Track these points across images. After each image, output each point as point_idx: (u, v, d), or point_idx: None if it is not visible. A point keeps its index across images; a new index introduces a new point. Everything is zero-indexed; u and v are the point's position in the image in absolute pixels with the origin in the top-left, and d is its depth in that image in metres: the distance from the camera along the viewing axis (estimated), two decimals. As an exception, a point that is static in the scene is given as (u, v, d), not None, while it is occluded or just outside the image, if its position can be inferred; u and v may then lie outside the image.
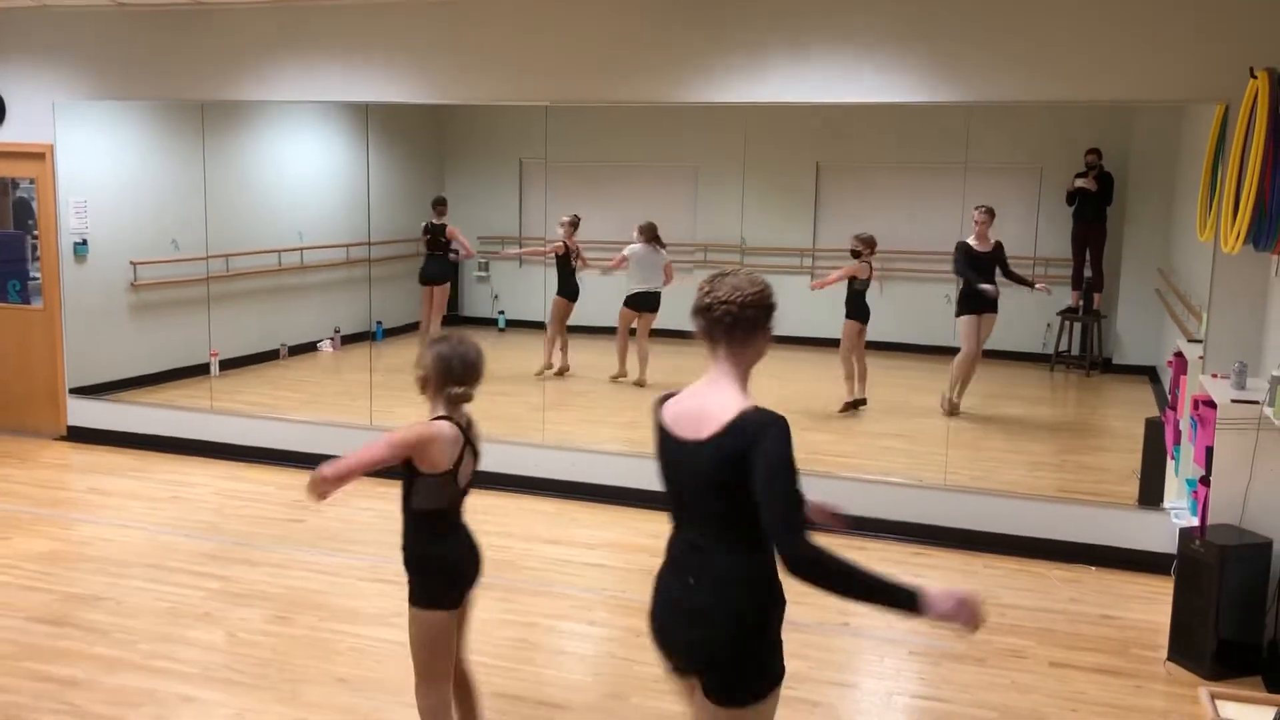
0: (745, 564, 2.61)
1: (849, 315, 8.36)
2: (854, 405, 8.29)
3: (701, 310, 2.67)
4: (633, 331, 9.22)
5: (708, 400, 2.62)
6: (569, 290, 9.52)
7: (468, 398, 3.47)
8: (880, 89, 6.28)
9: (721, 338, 2.65)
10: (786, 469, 2.49)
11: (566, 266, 9.46)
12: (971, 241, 8.03)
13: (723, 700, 2.58)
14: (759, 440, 2.49)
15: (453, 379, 3.42)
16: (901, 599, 2.48)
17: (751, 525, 2.51)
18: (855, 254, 8.27)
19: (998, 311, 8.08)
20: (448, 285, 10.18)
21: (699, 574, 2.62)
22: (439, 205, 9.96)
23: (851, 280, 8.30)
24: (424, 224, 9.88)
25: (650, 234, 9.25)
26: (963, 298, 8.08)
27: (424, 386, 3.51)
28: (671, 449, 2.66)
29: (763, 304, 2.64)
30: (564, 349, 9.58)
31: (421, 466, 3.45)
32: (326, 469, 3.32)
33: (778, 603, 2.67)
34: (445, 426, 3.43)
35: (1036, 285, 8.18)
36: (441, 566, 3.54)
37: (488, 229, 11.04)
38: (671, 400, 2.72)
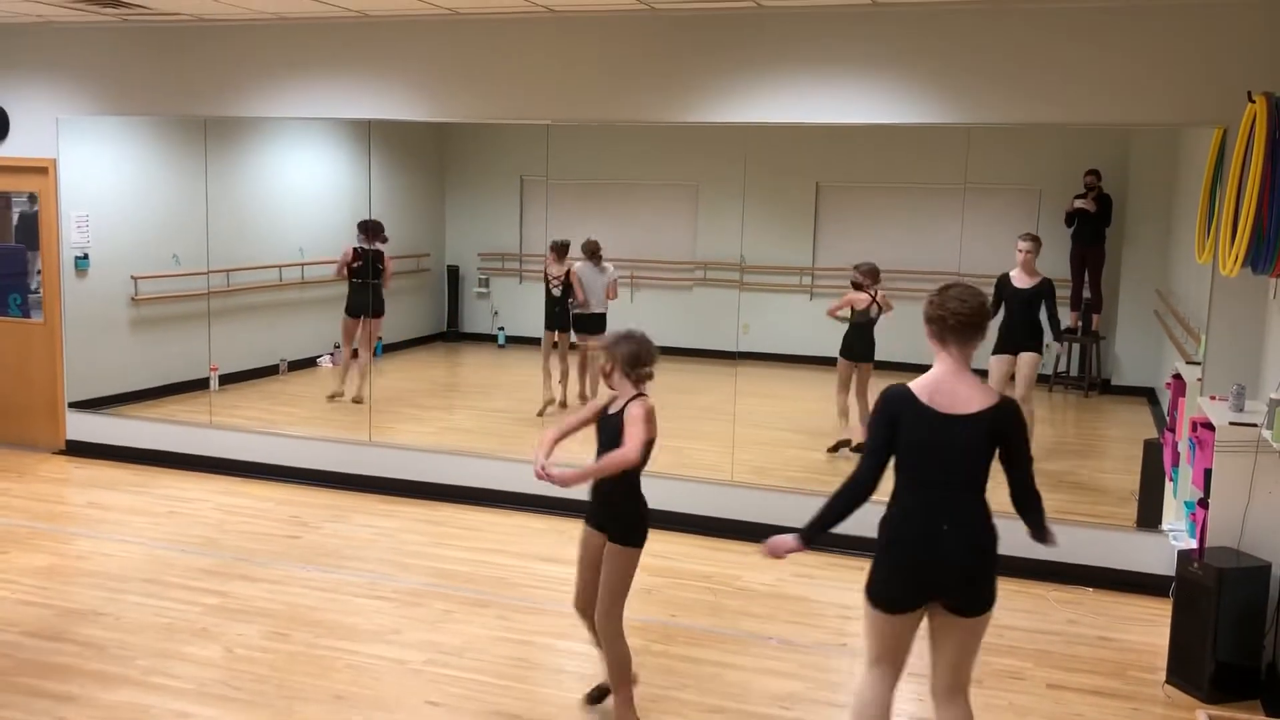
0: (986, 508, 3.41)
1: (840, 351, 7.93)
2: (839, 446, 7.86)
3: (936, 319, 3.38)
4: (570, 347, 9.16)
5: (959, 386, 3.35)
6: (551, 320, 9.13)
7: (652, 375, 4.25)
8: (880, 110, 6.32)
9: (952, 340, 3.37)
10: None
11: (550, 295, 9.13)
12: (1012, 275, 7.51)
13: (976, 610, 3.42)
14: (1016, 421, 3.38)
15: (641, 363, 4.20)
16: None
17: (985, 479, 3.38)
18: (856, 285, 7.88)
19: (1040, 352, 7.49)
20: (380, 320, 9.39)
21: (953, 518, 3.37)
22: (373, 230, 9.06)
23: (852, 312, 7.92)
24: (353, 248, 9.09)
25: (592, 251, 9.01)
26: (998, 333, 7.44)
27: (610, 374, 4.23)
28: (932, 422, 3.33)
29: (983, 312, 3.38)
30: (562, 381, 9.12)
31: (650, 436, 4.15)
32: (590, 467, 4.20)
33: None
34: (651, 400, 4.19)
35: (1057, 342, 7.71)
36: (643, 513, 4.28)
37: (488, 246, 11.06)
38: (916, 387, 3.38)
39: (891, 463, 3.45)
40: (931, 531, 3.38)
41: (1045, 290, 7.45)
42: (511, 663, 4.87)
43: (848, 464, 7.89)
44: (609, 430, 4.19)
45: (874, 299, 7.85)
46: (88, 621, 5.21)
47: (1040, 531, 3.52)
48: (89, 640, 5.00)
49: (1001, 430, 3.35)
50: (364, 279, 9.08)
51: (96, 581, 5.74)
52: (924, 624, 3.52)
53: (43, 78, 8.10)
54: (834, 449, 7.84)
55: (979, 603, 3.44)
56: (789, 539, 3.65)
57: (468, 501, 7.27)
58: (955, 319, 3.35)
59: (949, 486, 3.38)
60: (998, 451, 3.38)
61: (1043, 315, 7.50)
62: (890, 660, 3.53)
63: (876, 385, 7.32)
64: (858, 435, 7.48)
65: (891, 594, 3.46)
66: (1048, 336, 7.58)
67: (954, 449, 3.35)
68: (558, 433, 4.33)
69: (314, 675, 4.70)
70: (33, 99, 8.13)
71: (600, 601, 4.22)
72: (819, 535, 3.57)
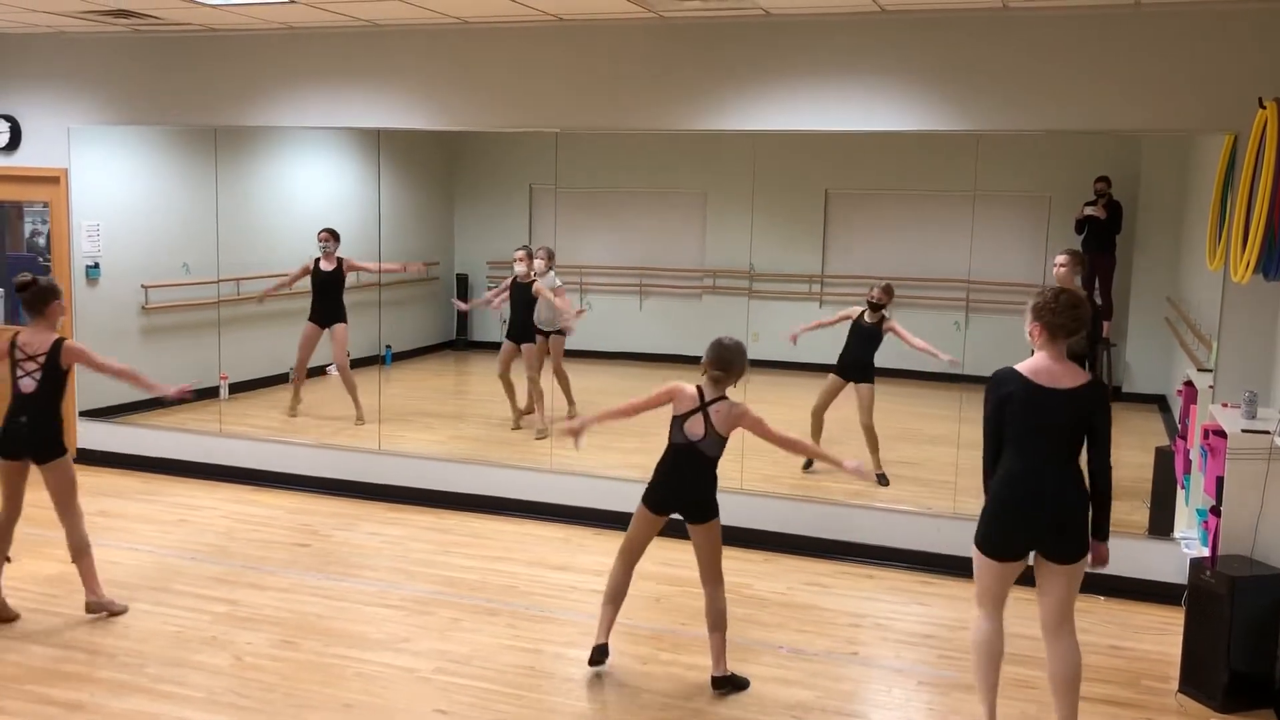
0: (1080, 473, 4.05)
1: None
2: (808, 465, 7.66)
3: (1055, 326, 4.00)
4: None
5: (1056, 368, 4.00)
6: (513, 332, 8.88)
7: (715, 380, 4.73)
8: (889, 118, 6.31)
9: (1062, 336, 4.00)
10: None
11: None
12: None
13: (1076, 558, 4.01)
14: (1102, 399, 4.05)
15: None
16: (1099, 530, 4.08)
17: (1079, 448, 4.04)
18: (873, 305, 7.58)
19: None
20: (345, 328, 8.98)
21: (1056, 482, 3.98)
22: (331, 237, 8.87)
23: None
24: (314, 259, 8.87)
25: (550, 260, 8.93)
26: None
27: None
28: (1037, 395, 3.96)
29: (1086, 318, 4.04)
30: (531, 396, 8.76)
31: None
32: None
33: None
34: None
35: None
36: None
37: (498, 255, 11.05)
38: (1024, 369, 4.01)
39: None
40: (1031, 495, 4.01)
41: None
42: (520, 671, 4.86)
43: (867, 452, 7.85)
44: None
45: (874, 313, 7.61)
46: (97, 629, 5.22)
47: (1097, 528, 4.05)
48: (98, 648, 5.00)
49: (1090, 403, 3.99)
50: (324, 289, 8.87)
51: (106, 589, 5.74)
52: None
53: (54, 88, 8.14)
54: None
55: (1076, 551, 4.02)
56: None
57: (476, 509, 7.27)
58: (1063, 325, 4.00)
59: (1048, 453, 4.01)
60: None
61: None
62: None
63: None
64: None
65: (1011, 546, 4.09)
66: None
67: (1053, 422, 3.99)
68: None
69: (323, 684, 4.70)
70: (44, 109, 8.17)
71: (712, 570, 4.77)
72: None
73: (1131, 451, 8.07)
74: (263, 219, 9.70)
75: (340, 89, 7.43)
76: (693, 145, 9.29)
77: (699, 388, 4.68)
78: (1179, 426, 6.57)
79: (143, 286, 8.64)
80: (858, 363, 7.59)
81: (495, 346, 11.02)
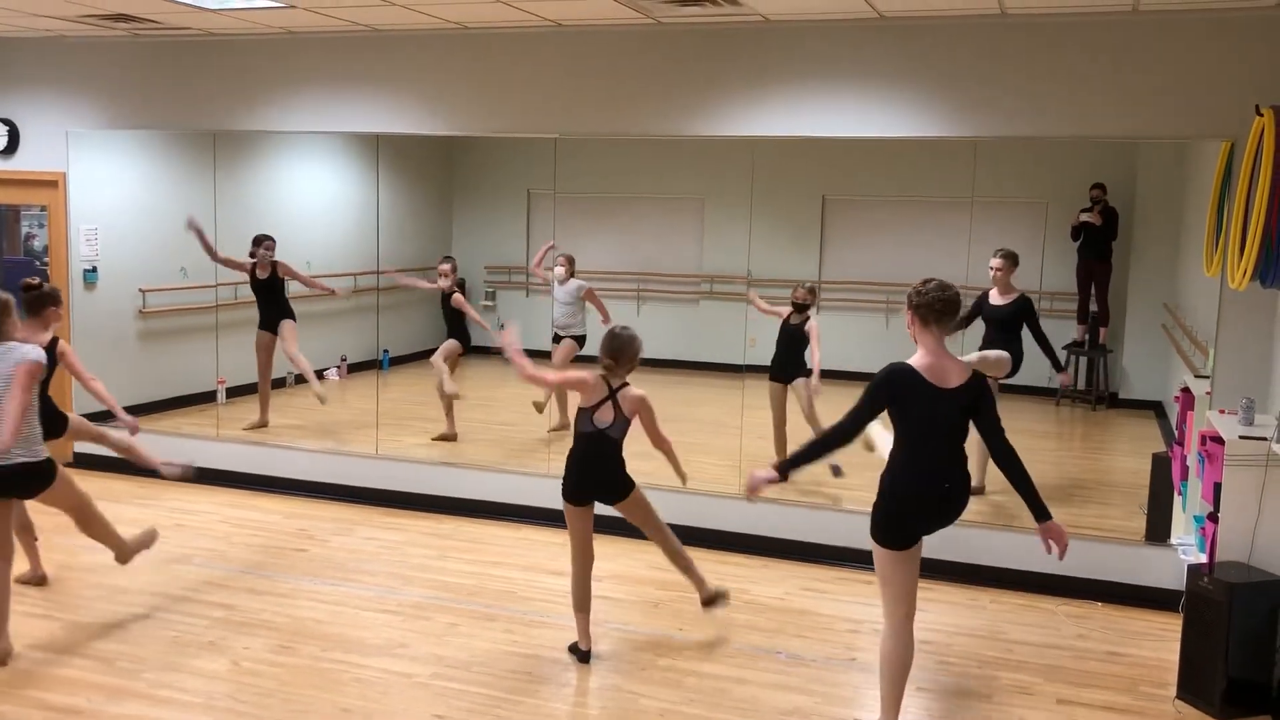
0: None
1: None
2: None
3: (922, 306, 4.03)
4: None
5: (941, 363, 4.01)
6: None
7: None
8: (887, 124, 6.32)
9: (933, 322, 4.00)
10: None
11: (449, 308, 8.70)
12: (993, 295, 7.15)
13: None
14: (986, 391, 4.05)
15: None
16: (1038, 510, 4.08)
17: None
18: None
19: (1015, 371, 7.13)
20: (294, 325, 8.77)
21: (952, 477, 4.06)
22: (264, 242, 8.65)
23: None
24: (252, 264, 8.65)
25: (570, 266, 8.85)
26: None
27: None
28: (929, 394, 3.95)
29: (959, 301, 4.07)
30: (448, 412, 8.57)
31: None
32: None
33: None
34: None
35: (1059, 376, 7.44)
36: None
37: (496, 259, 11.08)
38: (914, 364, 4.00)
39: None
40: (935, 490, 4.06)
41: (1023, 307, 7.06)
42: (518, 676, 4.86)
43: (863, 458, 7.87)
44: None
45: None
46: (94, 634, 5.21)
47: (1036, 506, 4.06)
48: (95, 653, 4.99)
49: (974, 395, 4.01)
50: (267, 296, 8.67)
51: (103, 594, 5.74)
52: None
53: (53, 92, 8.14)
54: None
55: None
56: (765, 472, 4.14)
57: (473, 514, 7.27)
58: (940, 304, 4.01)
59: (943, 449, 4.05)
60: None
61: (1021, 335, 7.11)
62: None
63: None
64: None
65: (904, 534, 4.13)
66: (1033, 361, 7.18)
67: (947, 418, 4.01)
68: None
69: (320, 688, 4.69)
70: (43, 113, 8.17)
71: (651, 525, 5.22)
72: (794, 470, 4.14)
73: (1128, 458, 8.09)
74: (261, 223, 9.68)
75: (339, 94, 7.44)
76: (691, 151, 9.31)
77: (603, 378, 4.96)
78: (1176, 433, 6.59)
79: (140, 291, 8.64)
80: (789, 362, 7.62)
81: (492, 351, 11.04)
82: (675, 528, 6.87)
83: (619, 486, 5.08)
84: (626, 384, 5.00)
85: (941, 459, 4.04)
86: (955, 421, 4.02)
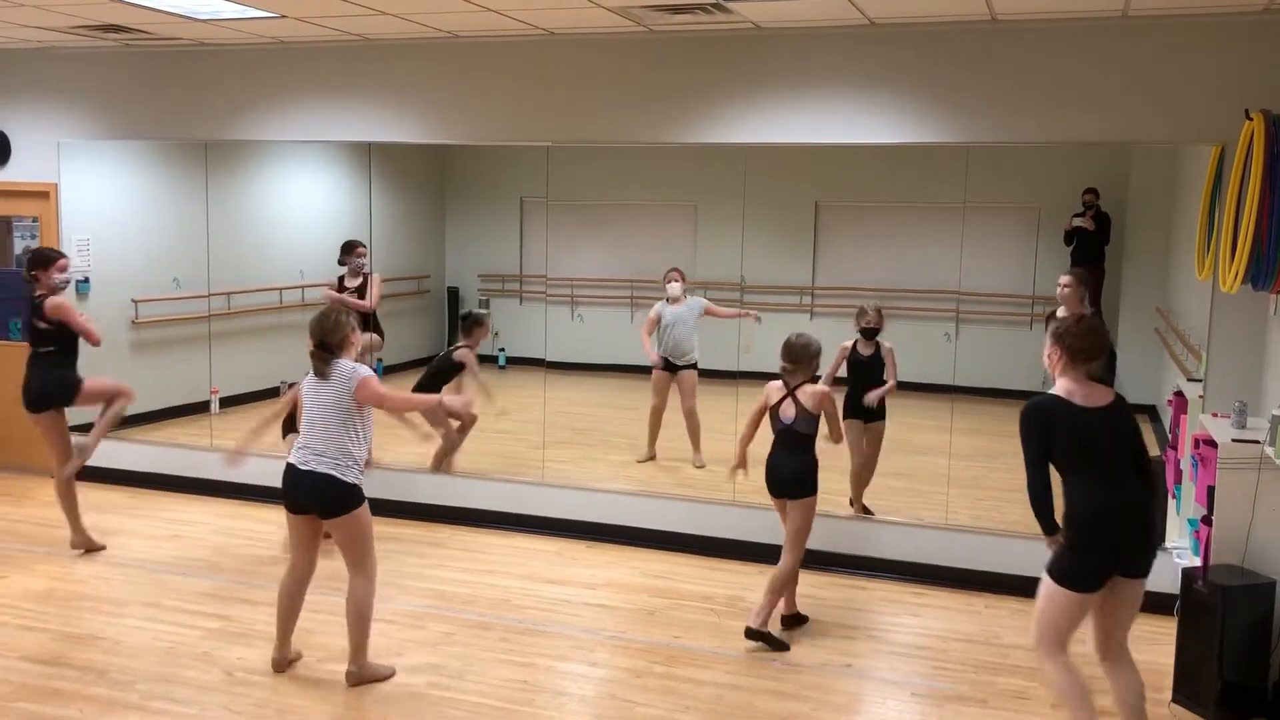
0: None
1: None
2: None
3: (1075, 350, 4.07)
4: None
5: (1085, 389, 4.05)
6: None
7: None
8: (879, 130, 6.34)
9: (1081, 361, 4.06)
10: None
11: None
12: (1060, 313, 6.45)
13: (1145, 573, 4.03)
14: (1128, 412, 4.12)
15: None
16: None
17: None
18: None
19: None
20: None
21: (1132, 495, 4.00)
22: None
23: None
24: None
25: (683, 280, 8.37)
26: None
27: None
28: (1082, 416, 3.99)
29: (1106, 343, 4.20)
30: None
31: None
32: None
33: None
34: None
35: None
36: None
37: (489, 268, 11.08)
38: (1062, 392, 4.04)
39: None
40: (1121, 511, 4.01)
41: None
42: (514, 685, 4.85)
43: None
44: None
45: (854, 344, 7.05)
46: (87, 646, 5.19)
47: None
48: (89, 665, 4.97)
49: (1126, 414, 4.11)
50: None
51: (96, 606, 5.73)
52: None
53: (44, 102, 8.13)
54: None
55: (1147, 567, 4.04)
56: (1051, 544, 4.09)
57: (467, 523, 7.26)
58: (1082, 350, 4.06)
59: (1117, 472, 4.04)
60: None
61: None
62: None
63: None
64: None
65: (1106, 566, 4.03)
66: None
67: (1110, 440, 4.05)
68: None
69: (316, 699, 4.68)
70: (34, 123, 8.16)
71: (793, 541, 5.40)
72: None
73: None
74: (253, 233, 9.69)
75: (331, 103, 7.44)
76: (683, 158, 9.32)
77: (784, 382, 5.39)
78: (1169, 436, 6.60)
79: (133, 301, 8.63)
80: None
81: (486, 360, 11.02)
82: (671, 534, 6.88)
83: (796, 484, 5.32)
84: (806, 382, 5.33)
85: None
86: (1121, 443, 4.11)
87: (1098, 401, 4.00)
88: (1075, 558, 3.96)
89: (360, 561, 4.76)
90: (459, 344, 7.85)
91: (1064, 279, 6.90)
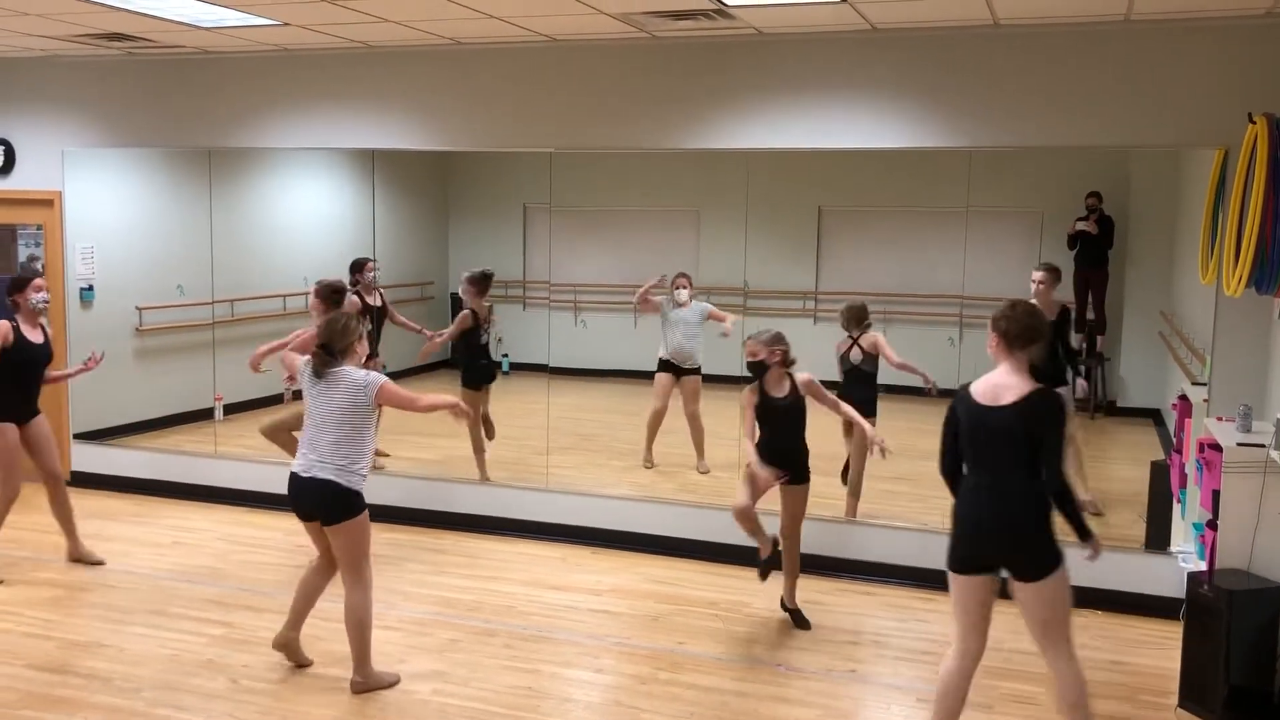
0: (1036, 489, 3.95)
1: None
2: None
3: (1010, 336, 3.97)
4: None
5: (1006, 381, 3.96)
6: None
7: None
8: (882, 135, 6.34)
9: (1018, 347, 3.96)
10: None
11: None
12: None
13: (1035, 577, 3.93)
14: (1049, 409, 3.90)
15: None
16: (1085, 530, 3.99)
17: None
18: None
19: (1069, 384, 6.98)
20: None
21: (1006, 500, 3.96)
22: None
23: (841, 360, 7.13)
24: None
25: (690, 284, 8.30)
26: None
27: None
28: (977, 413, 3.97)
29: (1042, 328, 4.03)
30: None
31: None
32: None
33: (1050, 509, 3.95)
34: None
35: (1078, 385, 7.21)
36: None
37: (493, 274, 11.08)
38: (978, 385, 4.01)
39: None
40: (984, 511, 4.04)
41: (1066, 319, 7.01)
42: (519, 692, 4.84)
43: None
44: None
45: (855, 342, 7.04)
46: (92, 654, 5.19)
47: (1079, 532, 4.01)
48: (93, 672, 4.97)
49: (1034, 415, 3.90)
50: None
51: (101, 613, 5.73)
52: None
53: (48, 111, 8.15)
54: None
55: (1031, 569, 3.96)
56: (1087, 552, 4.10)
57: (472, 529, 7.25)
58: (1010, 330, 3.98)
59: (990, 470, 4.01)
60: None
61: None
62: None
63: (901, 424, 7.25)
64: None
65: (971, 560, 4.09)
66: None
67: (992, 438, 3.98)
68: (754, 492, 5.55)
69: (320, 706, 4.67)
70: (38, 132, 8.18)
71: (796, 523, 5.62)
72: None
73: (1127, 466, 8.08)
74: (257, 240, 9.70)
75: (334, 110, 7.45)
76: (686, 163, 9.32)
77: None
78: (1174, 440, 6.58)
79: (137, 309, 8.64)
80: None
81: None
82: (676, 540, 6.87)
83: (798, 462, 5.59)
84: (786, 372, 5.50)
85: None
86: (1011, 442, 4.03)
87: (1002, 399, 3.92)
88: (951, 540, 4.12)
89: (355, 570, 4.77)
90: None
91: (1038, 275, 7.00)
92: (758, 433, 5.60)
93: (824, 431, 7.65)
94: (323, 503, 4.68)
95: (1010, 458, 3.92)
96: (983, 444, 4.00)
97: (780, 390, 5.57)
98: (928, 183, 8.73)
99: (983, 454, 4.01)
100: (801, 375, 5.63)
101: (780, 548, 5.63)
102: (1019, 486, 3.93)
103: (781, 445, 5.58)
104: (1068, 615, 3.99)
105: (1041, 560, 3.92)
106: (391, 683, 4.86)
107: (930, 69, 6.20)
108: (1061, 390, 6.92)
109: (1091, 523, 4.06)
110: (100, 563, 6.52)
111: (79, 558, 6.54)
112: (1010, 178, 8.66)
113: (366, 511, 4.75)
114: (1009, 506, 3.95)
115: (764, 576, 5.62)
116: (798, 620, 5.70)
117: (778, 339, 5.58)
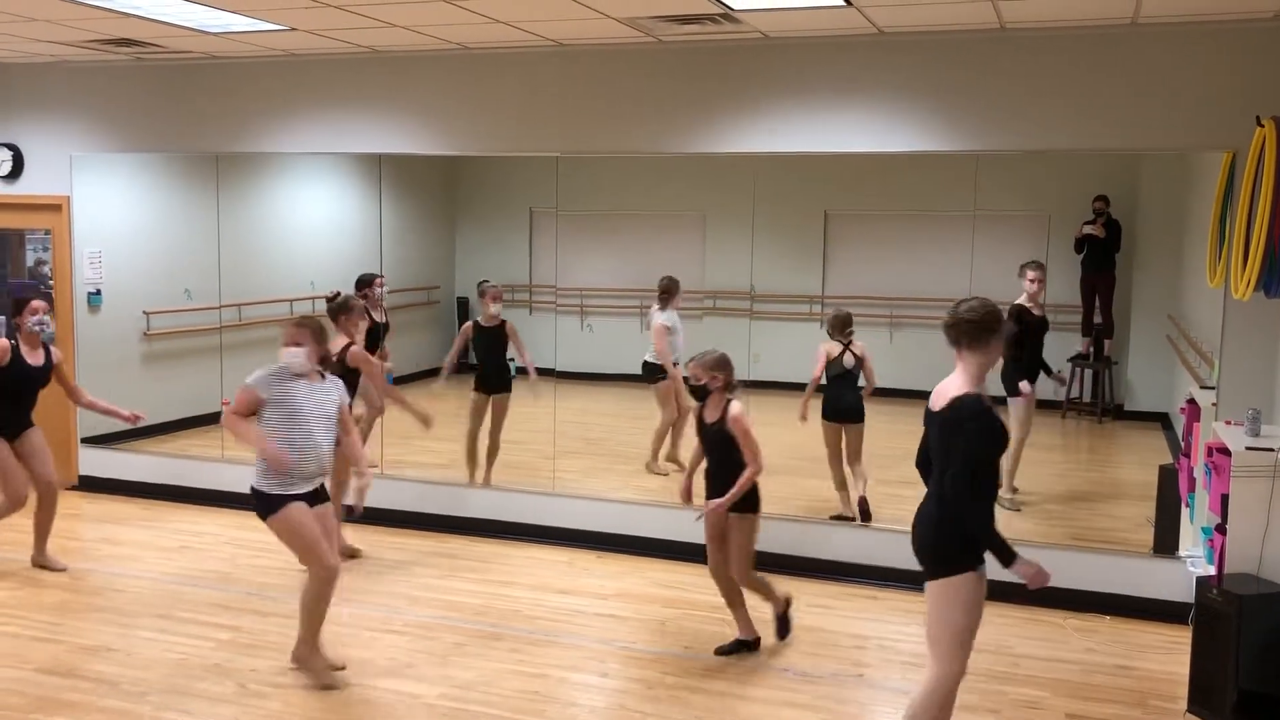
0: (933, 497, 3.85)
1: (821, 413, 7.18)
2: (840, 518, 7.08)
3: (951, 335, 3.84)
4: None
5: (947, 385, 3.81)
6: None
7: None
8: (888, 139, 6.34)
9: (964, 346, 3.80)
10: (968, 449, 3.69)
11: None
12: (1028, 305, 7.32)
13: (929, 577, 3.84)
14: (956, 419, 3.68)
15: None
16: (1003, 555, 3.73)
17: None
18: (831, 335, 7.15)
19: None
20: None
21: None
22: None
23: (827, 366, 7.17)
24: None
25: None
26: (1013, 373, 7.24)
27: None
28: (926, 415, 3.87)
29: (988, 324, 3.77)
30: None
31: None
32: None
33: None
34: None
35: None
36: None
37: (499, 277, 11.02)
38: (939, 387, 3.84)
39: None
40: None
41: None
42: (526, 696, 4.84)
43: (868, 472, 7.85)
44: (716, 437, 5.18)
45: (846, 348, 7.09)
46: (100, 658, 5.20)
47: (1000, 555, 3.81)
48: (101, 676, 4.98)
49: (955, 422, 3.70)
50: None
51: (108, 617, 5.74)
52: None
53: (57, 116, 8.18)
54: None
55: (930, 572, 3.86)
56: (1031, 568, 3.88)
57: (478, 533, 7.26)
58: (967, 325, 3.82)
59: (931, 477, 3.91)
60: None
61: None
62: None
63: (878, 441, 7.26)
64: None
65: None
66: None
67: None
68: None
69: (328, 710, 4.67)
70: (47, 137, 8.21)
71: (737, 564, 5.26)
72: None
73: (1135, 470, 8.07)
74: (264, 245, 9.73)
75: (341, 115, 7.46)
76: (692, 167, 9.32)
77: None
78: (1182, 444, 6.57)
79: (145, 313, 8.66)
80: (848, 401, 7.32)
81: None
82: (681, 544, 6.87)
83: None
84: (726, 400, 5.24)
85: None
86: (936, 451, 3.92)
87: (936, 404, 3.81)
88: None
89: (306, 561, 4.93)
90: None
91: (1033, 274, 7.14)
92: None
93: (822, 433, 7.65)
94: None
95: (939, 462, 3.80)
96: (931, 446, 3.90)
97: (713, 415, 5.21)
98: (934, 187, 8.72)
99: (932, 455, 3.90)
100: (734, 408, 5.16)
101: (789, 603, 5.54)
102: (935, 490, 3.85)
103: (713, 469, 5.27)
104: (945, 631, 3.79)
105: (934, 567, 3.81)
106: (323, 680, 4.92)
107: (937, 73, 6.20)
108: (1020, 394, 7.19)
109: (1028, 526, 3.92)
110: (63, 569, 6.42)
111: (42, 564, 6.46)
112: (1017, 181, 8.65)
113: (287, 508, 4.80)
114: (924, 508, 3.89)
115: (781, 636, 5.51)
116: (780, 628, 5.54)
117: (719, 363, 5.23)
